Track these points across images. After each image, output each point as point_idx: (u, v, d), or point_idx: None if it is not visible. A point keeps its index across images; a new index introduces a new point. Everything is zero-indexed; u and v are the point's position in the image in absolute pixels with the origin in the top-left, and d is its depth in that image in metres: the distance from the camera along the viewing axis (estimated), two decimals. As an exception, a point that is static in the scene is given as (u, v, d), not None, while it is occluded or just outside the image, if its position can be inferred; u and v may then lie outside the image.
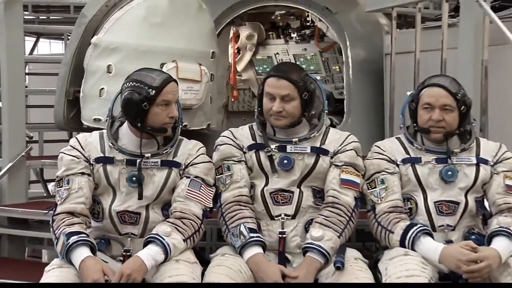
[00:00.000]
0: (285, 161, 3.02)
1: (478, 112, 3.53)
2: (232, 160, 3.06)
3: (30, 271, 3.61)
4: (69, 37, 4.52)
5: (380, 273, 2.90)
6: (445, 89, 2.98)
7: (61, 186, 2.96)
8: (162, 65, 3.82)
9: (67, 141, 5.12)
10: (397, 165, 3.07)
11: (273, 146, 3.04)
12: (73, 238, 2.80)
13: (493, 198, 3.04)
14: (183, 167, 3.01)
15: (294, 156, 3.03)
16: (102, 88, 3.87)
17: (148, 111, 2.89)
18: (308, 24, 5.76)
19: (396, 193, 3.03)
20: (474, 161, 3.05)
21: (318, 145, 3.06)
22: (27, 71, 6.00)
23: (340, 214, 2.96)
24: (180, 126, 3.08)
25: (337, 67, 5.73)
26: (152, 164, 2.98)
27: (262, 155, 3.05)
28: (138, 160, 2.95)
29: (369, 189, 3.07)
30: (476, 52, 3.60)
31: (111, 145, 3.00)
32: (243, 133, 3.12)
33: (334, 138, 3.09)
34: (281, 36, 5.98)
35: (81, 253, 2.77)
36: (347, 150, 3.06)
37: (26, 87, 5.38)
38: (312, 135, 3.06)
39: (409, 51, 4.05)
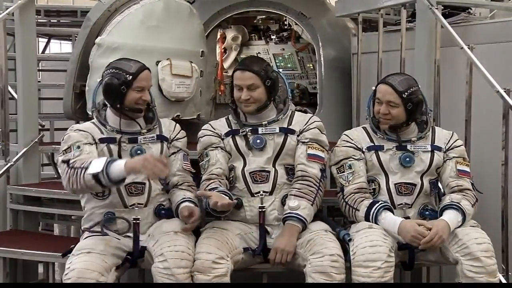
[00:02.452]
0: (258, 141, 3.05)
1: (432, 104, 3.53)
2: (211, 147, 3.10)
3: (43, 242, 3.61)
4: (76, 38, 4.47)
5: (348, 243, 2.92)
6: (392, 87, 2.99)
7: (71, 151, 2.87)
8: (157, 62, 3.80)
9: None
10: (363, 152, 3.09)
11: (246, 130, 3.08)
12: (105, 159, 2.75)
13: (446, 181, 3.09)
14: (170, 141, 3.09)
15: (265, 137, 3.06)
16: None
17: (125, 94, 2.92)
18: (285, 27, 5.71)
19: (361, 177, 3.06)
20: (429, 148, 3.08)
21: (285, 126, 3.10)
22: (39, 68, 5.95)
23: (310, 185, 2.99)
24: (154, 108, 3.12)
25: (311, 65, 5.68)
26: (150, 138, 3.03)
27: (238, 139, 3.09)
28: (139, 137, 2.99)
29: (338, 173, 3.10)
30: (430, 52, 3.60)
31: (105, 128, 2.99)
32: (220, 124, 3.17)
33: (299, 119, 3.13)
34: (262, 38, 5.94)
35: (120, 161, 2.74)
36: (311, 128, 3.09)
37: (39, 81, 5.32)
38: (280, 117, 3.10)
39: (373, 51, 4.03)
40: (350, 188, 3.04)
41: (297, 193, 2.98)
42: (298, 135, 3.09)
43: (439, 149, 3.10)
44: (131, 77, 2.91)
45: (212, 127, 3.16)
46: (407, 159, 3.05)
